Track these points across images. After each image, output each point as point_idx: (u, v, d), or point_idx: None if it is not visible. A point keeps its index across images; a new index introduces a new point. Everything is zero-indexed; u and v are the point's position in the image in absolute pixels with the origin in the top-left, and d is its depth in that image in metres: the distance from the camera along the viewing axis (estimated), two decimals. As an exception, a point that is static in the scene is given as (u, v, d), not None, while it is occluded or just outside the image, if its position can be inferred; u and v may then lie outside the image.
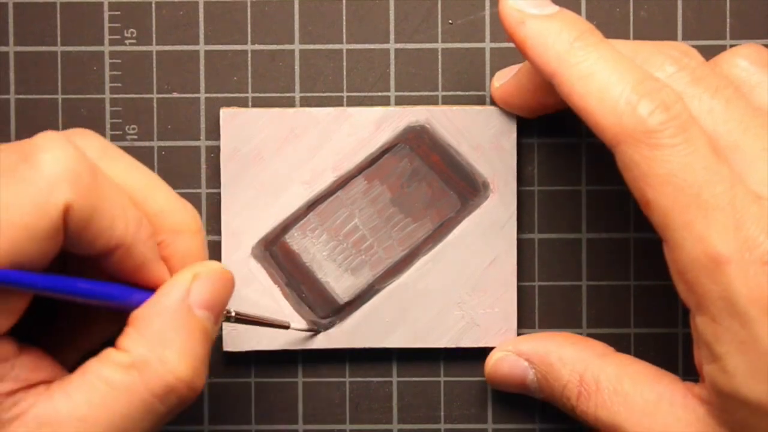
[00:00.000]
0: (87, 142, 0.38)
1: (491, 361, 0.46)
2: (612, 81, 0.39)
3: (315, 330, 0.46)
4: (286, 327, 0.45)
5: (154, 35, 0.47)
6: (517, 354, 0.45)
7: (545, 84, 0.43)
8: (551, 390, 0.44)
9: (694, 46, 0.46)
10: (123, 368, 0.37)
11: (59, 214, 0.35)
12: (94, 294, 0.38)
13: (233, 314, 0.42)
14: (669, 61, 0.40)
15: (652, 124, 0.38)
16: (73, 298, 0.37)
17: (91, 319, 0.41)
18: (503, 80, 0.45)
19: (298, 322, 0.46)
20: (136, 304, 0.38)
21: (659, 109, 0.38)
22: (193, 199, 0.47)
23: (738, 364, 0.38)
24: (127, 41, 0.47)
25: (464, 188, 0.46)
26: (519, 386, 0.45)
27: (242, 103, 0.47)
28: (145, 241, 0.38)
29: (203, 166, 0.47)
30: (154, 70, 0.47)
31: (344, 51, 0.47)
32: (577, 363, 0.43)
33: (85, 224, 0.36)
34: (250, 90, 0.47)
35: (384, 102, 0.47)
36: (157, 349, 0.37)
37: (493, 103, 0.46)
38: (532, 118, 0.46)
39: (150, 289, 0.39)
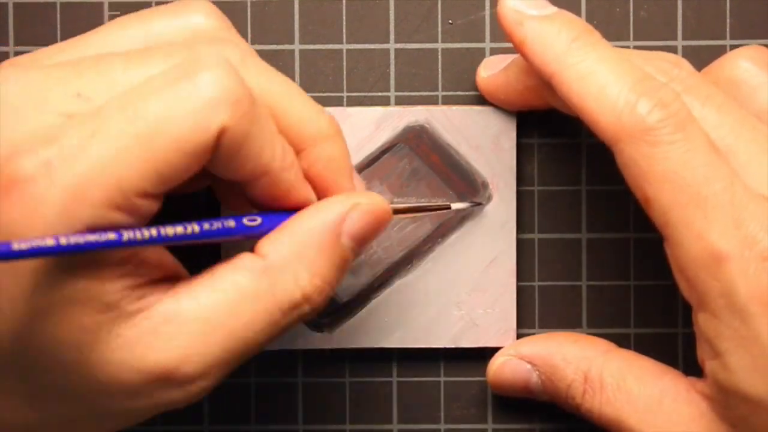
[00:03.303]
0: (228, 50, 0.37)
1: (493, 367, 0.45)
2: (610, 80, 0.39)
3: (478, 203, 0.46)
4: (448, 207, 0.44)
5: (154, 35, 0.47)
6: (519, 357, 0.45)
7: (534, 86, 0.43)
8: (556, 390, 0.44)
9: (694, 47, 0.46)
10: (256, 274, 0.37)
11: (214, 134, 0.35)
12: (233, 233, 0.37)
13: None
14: (660, 73, 0.40)
15: (651, 121, 0.38)
16: (208, 241, 0.37)
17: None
18: (491, 71, 0.45)
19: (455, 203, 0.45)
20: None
21: (657, 107, 0.38)
22: (194, 198, 0.47)
23: (739, 361, 0.38)
24: (127, 41, 0.47)
25: (464, 188, 0.46)
26: (523, 390, 0.45)
27: (242, 103, 0.47)
28: (290, 167, 0.37)
29: (203, 166, 0.47)
30: (154, 70, 0.47)
31: (344, 51, 0.47)
32: (580, 361, 0.43)
33: (236, 149, 0.35)
34: (250, 90, 0.47)
35: (384, 102, 0.47)
36: (294, 262, 0.37)
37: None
38: (512, 110, 0.46)
39: (292, 211, 0.38)
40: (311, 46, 0.47)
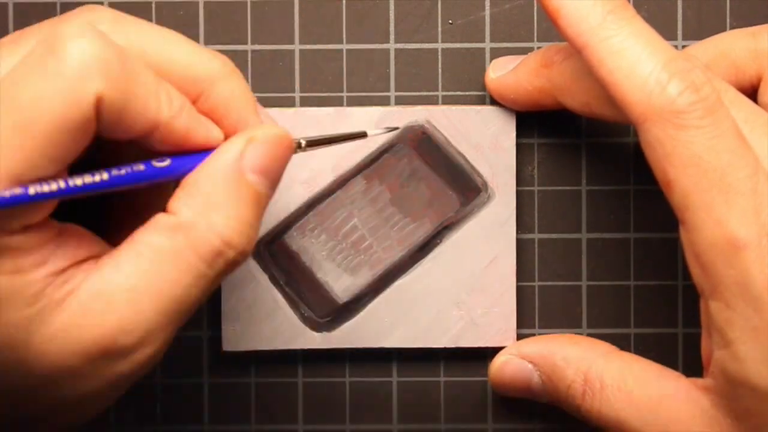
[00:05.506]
0: (96, 16, 0.37)
1: (495, 366, 0.45)
2: (643, 58, 0.38)
3: (390, 129, 0.44)
4: (364, 135, 0.42)
5: (154, 35, 0.47)
6: (521, 357, 0.44)
7: (543, 86, 0.43)
8: (556, 391, 0.43)
9: (694, 46, 0.46)
10: (169, 231, 0.36)
11: (91, 105, 0.34)
12: (143, 178, 0.36)
13: (303, 144, 0.40)
14: None
15: (681, 104, 0.37)
16: (119, 188, 0.36)
17: (136, 199, 0.39)
18: (500, 72, 0.45)
19: (370, 131, 0.43)
20: (189, 170, 0.37)
21: (689, 89, 0.37)
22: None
23: (750, 350, 0.37)
24: (127, 41, 0.47)
25: (463, 188, 0.46)
26: (524, 390, 0.44)
27: (242, 103, 0.47)
28: (180, 112, 0.36)
29: (203, 166, 0.47)
30: (154, 70, 0.47)
31: (344, 51, 0.47)
32: (581, 362, 0.43)
33: (118, 112, 0.35)
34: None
35: (384, 102, 0.47)
36: (204, 212, 0.36)
37: (492, 101, 0.46)
38: (521, 111, 0.45)
39: (201, 152, 0.37)
40: (311, 46, 0.47)
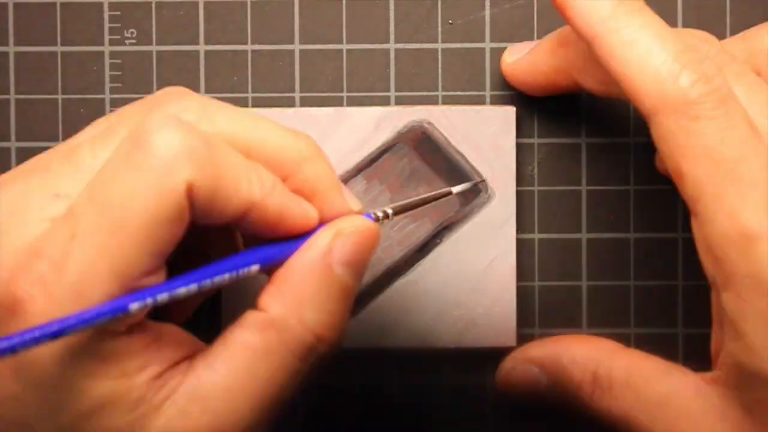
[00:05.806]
0: (182, 106, 0.37)
1: (502, 373, 0.45)
2: (654, 49, 0.38)
3: (479, 180, 0.45)
4: (449, 194, 0.43)
5: (154, 35, 0.47)
6: (528, 361, 0.44)
7: (561, 66, 0.43)
8: (564, 393, 0.43)
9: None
10: (262, 329, 0.36)
11: (182, 194, 0.34)
12: (239, 267, 0.36)
13: (390, 214, 0.40)
14: None
15: (693, 95, 0.37)
16: (220, 284, 0.36)
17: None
18: (516, 56, 0.45)
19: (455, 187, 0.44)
20: (284, 259, 0.37)
21: (701, 81, 0.37)
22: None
23: (763, 342, 0.37)
24: (127, 41, 0.47)
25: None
26: (532, 394, 0.44)
27: (242, 103, 0.47)
28: (272, 190, 0.36)
29: (203, 166, 0.47)
30: (154, 70, 0.47)
31: (344, 51, 0.47)
32: (588, 362, 0.42)
33: (210, 197, 0.35)
34: (250, 90, 0.47)
35: (384, 102, 0.47)
36: (295, 308, 0.36)
37: (492, 101, 0.46)
38: (537, 96, 0.45)
39: (298, 235, 0.37)
40: (311, 46, 0.47)
